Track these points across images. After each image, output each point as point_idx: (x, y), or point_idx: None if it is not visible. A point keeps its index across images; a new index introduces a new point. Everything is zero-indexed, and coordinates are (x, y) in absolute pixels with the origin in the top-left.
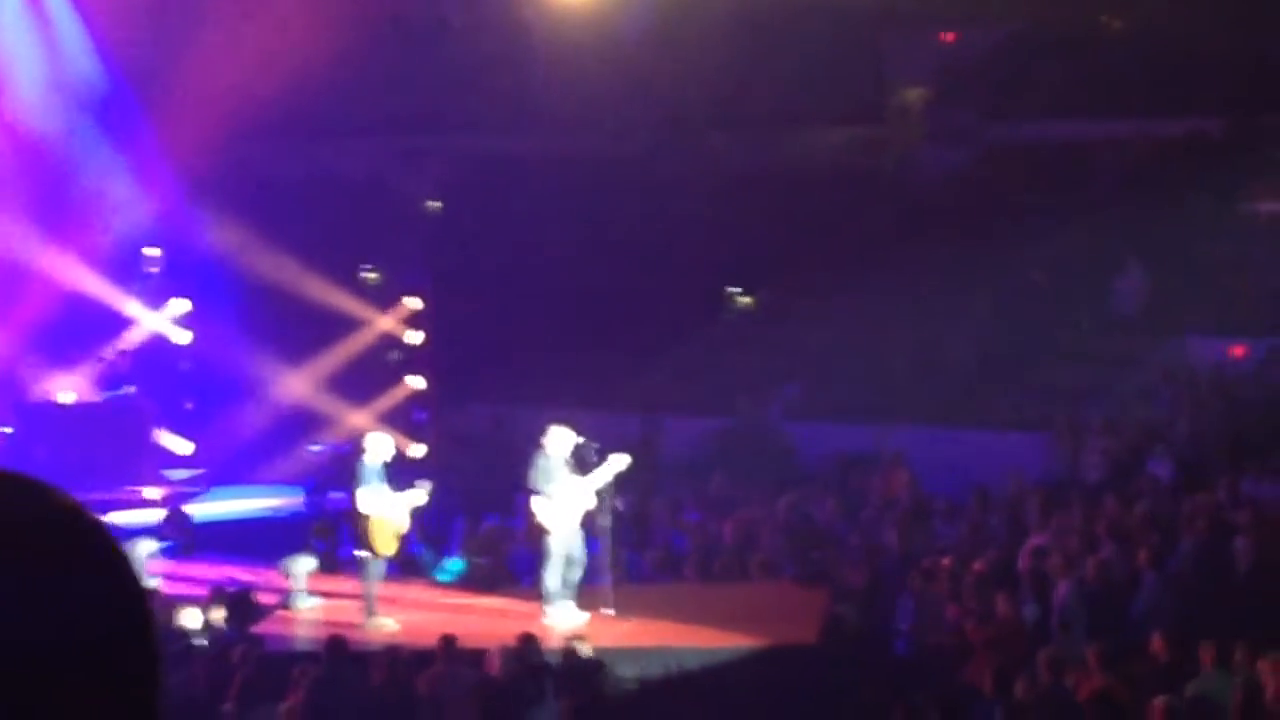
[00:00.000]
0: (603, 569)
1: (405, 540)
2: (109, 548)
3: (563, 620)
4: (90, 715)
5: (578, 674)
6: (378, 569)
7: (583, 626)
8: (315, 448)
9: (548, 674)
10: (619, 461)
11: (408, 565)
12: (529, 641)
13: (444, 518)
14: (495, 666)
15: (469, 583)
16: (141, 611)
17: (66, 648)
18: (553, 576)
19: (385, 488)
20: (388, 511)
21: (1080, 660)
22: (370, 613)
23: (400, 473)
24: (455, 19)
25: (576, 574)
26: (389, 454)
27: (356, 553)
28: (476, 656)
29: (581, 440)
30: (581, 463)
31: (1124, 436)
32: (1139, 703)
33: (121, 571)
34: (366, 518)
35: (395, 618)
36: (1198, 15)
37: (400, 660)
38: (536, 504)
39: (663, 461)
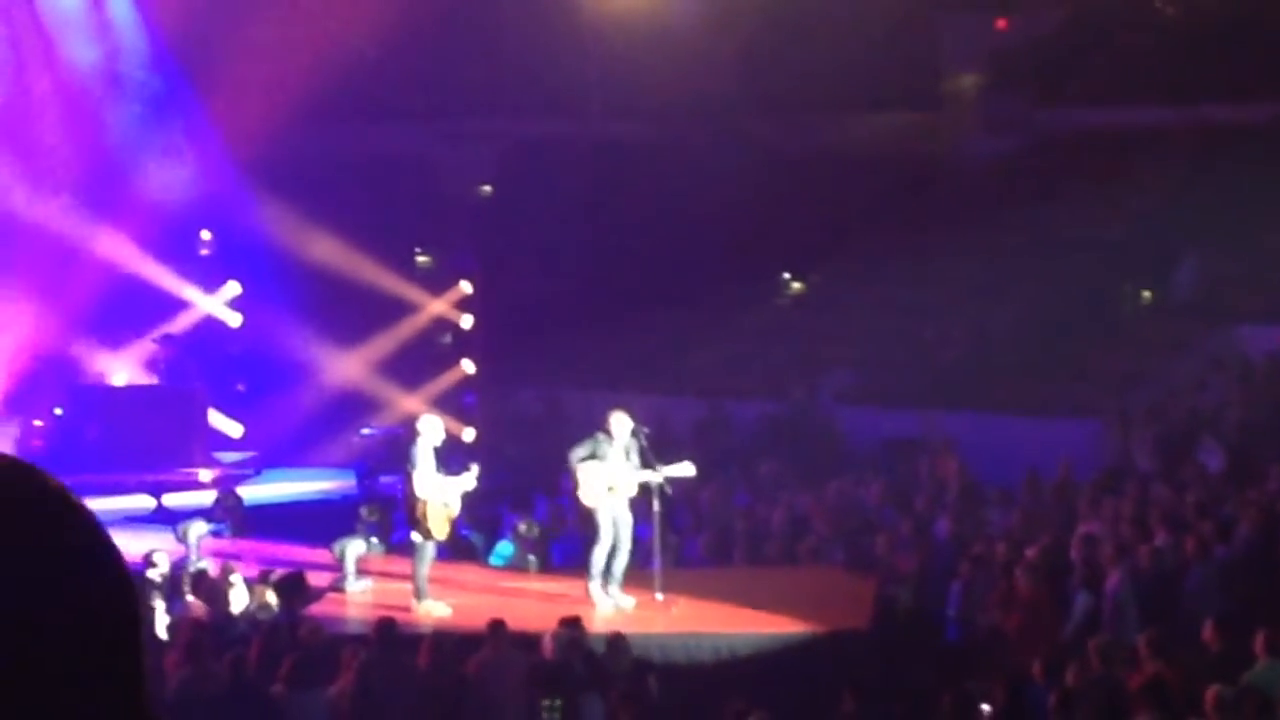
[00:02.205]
0: (652, 553)
1: (455, 524)
2: (93, 532)
3: (610, 603)
4: (72, 696)
5: (624, 660)
6: (429, 552)
7: (631, 610)
8: (367, 431)
9: (592, 659)
10: (684, 469)
11: (458, 549)
12: (574, 625)
13: (494, 501)
14: (549, 650)
15: (519, 567)
16: (123, 598)
17: (48, 629)
18: (600, 559)
19: (437, 471)
20: (440, 495)
21: (1131, 648)
22: (421, 596)
23: (450, 456)
24: (507, 5)
25: (624, 558)
26: (441, 437)
27: (413, 537)
28: (526, 641)
29: (634, 425)
30: (637, 449)
31: (1174, 424)
32: (1191, 691)
33: (106, 557)
34: (420, 501)
35: (446, 601)
36: (1251, 1)
37: (449, 644)
38: (582, 485)
39: (725, 446)
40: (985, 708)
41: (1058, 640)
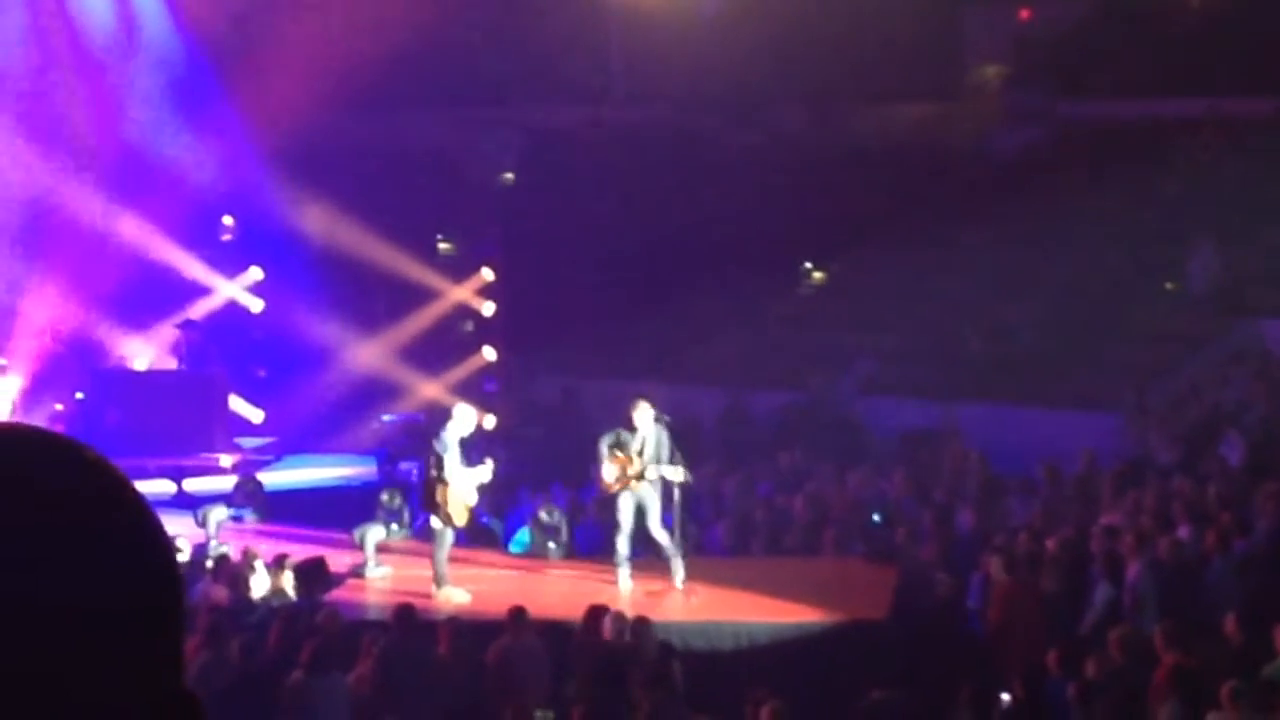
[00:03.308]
0: (673, 541)
1: (474, 512)
2: (142, 511)
3: (632, 589)
4: (114, 677)
5: (649, 644)
6: (448, 539)
7: (654, 596)
8: (388, 417)
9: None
10: (675, 473)
11: (477, 535)
12: (597, 614)
13: (513, 489)
14: (608, 633)
15: (538, 554)
16: (170, 581)
17: (93, 609)
18: (624, 546)
19: (461, 460)
20: (463, 483)
21: (1150, 640)
22: (441, 582)
23: (471, 444)
24: None
25: (666, 539)
26: (472, 428)
27: (432, 523)
28: (545, 627)
29: (655, 413)
30: (657, 439)
31: (1194, 418)
32: (1211, 684)
33: (154, 538)
34: (443, 486)
35: (465, 588)
36: None
37: (469, 630)
38: (606, 473)
39: (747, 435)
40: (1005, 697)
41: (1036, 633)
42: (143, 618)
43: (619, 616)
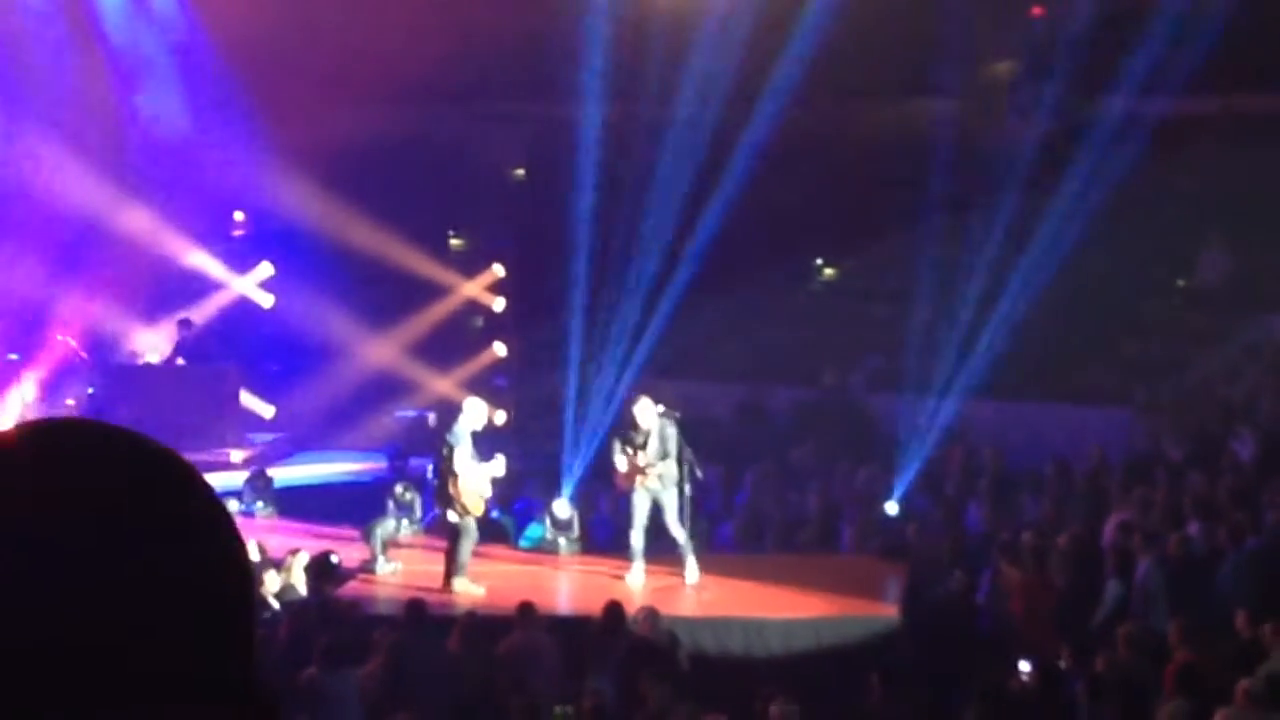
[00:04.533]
0: (687, 535)
1: (486, 505)
2: (215, 501)
3: (643, 584)
4: (188, 663)
5: (657, 634)
6: (472, 530)
7: (665, 591)
8: (402, 413)
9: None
10: (669, 468)
11: (488, 530)
12: (614, 610)
13: (523, 484)
14: (645, 628)
15: (549, 549)
16: (243, 571)
17: (171, 595)
18: (638, 540)
19: (473, 454)
20: (476, 476)
21: (1160, 636)
22: (460, 573)
23: (483, 439)
24: None
25: (681, 535)
26: (483, 421)
27: (449, 516)
28: (556, 623)
29: (663, 408)
30: (661, 433)
31: (1206, 413)
32: (1221, 680)
33: (228, 526)
34: (455, 478)
35: (480, 583)
36: None
37: (480, 626)
38: (617, 469)
39: (761, 432)
40: (1025, 666)
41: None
42: (217, 604)
43: (647, 610)
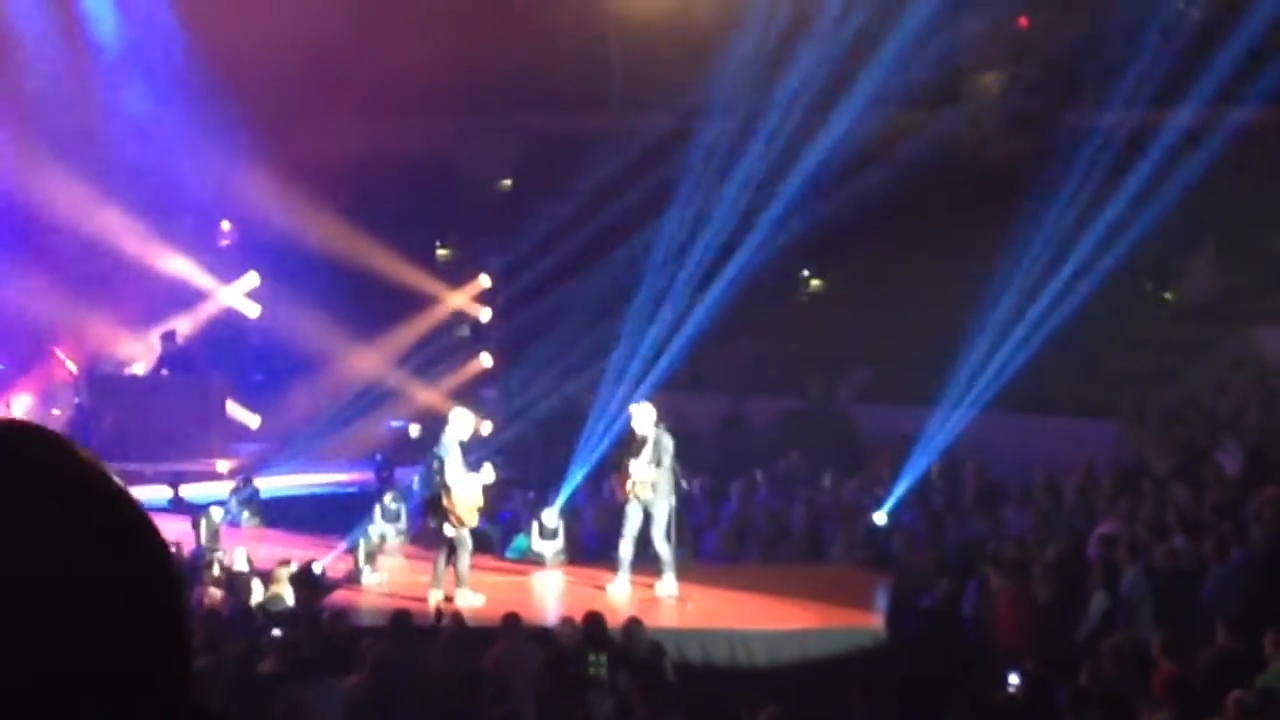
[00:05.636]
0: (670, 550)
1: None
2: (135, 510)
3: (628, 594)
4: (114, 686)
5: (640, 645)
6: (469, 542)
7: (650, 602)
8: (395, 423)
9: (610, 653)
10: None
11: (475, 541)
12: (594, 620)
13: (509, 494)
14: (560, 638)
15: (535, 559)
16: (166, 583)
17: (88, 606)
18: (626, 550)
19: (463, 463)
20: (469, 487)
21: (1144, 649)
22: (462, 586)
23: (469, 449)
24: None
25: (666, 549)
26: (470, 431)
27: (445, 530)
28: (541, 633)
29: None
30: (655, 444)
31: (1192, 426)
32: (1206, 692)
33: (147, 539)
34: (449, 492)
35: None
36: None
37: (465, 637)
38: (615, 480)
39: (746, 443)
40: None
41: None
42: (140, 619)
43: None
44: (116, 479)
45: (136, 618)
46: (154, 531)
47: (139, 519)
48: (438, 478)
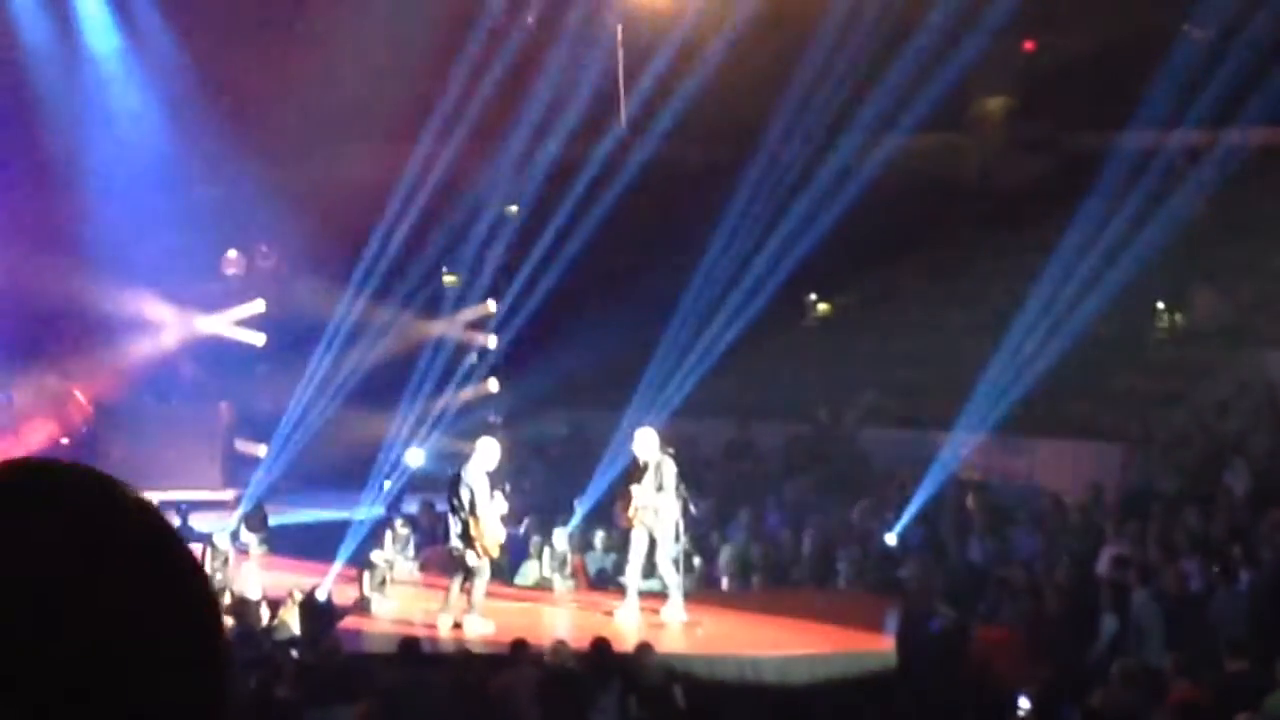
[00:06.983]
0: (679, 572)
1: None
2: (184, 553)
3: (638, 620)
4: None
5: (650, 669)
6: (487, 572)
7: (658, 627)
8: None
9: (618, 677)
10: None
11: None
12: (601, 646)
13: (518, 522)
14: (553, 658)
15: (544, 586)
16: (211, 619)
17: (131, 653)
18: (634, 576)
19: (490, 493)
20: (493, 517)
21: (1155, 671)
22: (473, 613)
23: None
24: (533, 24)
25: (671, 575)
26: (495, 460)
27: (468, 559)
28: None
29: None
30: (658, 469)
31: (1199, 448)
32: (1216, 715)
33: (195, 579)
34: (478, 522)
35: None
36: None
37: (473, 663)
38: (620, 507)
39: (755, 468)
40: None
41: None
42: (196, 655)
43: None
44: (166, 519)
45: (195, 655)
46: (201, 568)
47: (190, 559)
48: (471, 507)
